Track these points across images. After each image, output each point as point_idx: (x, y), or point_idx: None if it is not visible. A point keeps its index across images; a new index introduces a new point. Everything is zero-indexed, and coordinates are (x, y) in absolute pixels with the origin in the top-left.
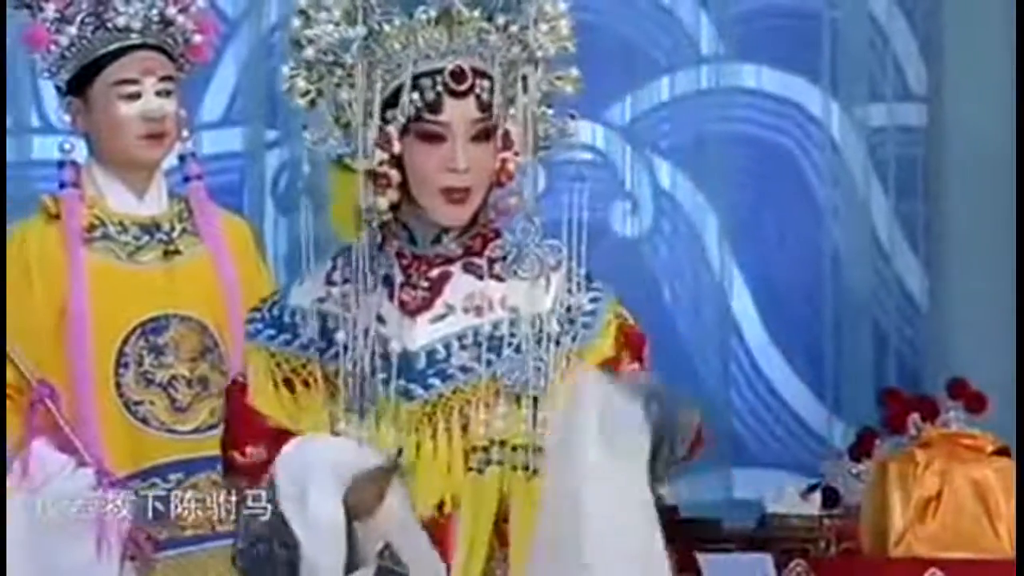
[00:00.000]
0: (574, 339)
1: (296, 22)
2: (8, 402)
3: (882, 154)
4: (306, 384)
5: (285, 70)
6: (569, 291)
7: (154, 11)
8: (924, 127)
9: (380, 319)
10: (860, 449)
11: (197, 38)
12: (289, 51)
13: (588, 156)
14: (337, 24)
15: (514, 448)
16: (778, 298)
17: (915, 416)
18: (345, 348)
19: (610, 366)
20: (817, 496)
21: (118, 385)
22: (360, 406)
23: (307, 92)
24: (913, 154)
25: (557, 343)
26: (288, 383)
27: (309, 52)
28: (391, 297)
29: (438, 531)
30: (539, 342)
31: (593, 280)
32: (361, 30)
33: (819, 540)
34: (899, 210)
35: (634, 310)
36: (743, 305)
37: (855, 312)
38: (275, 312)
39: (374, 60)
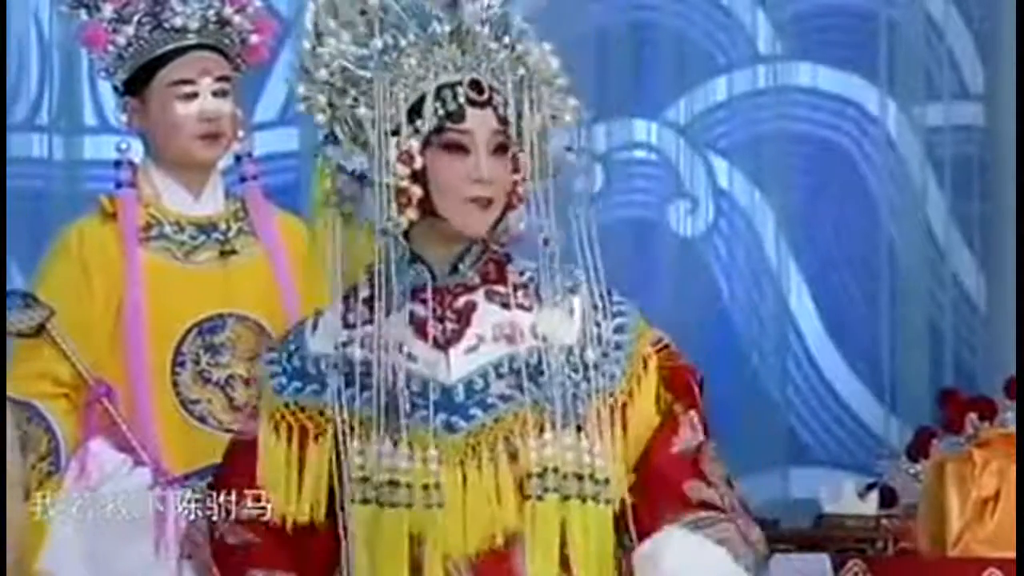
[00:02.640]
0: (611, 378)
1: (307, 44)
2: (65, 401)
3: (939, 152)
4: (321, 436)
5: (300, 90)
6: (596, 323)
7: (211, 11)
8: (981, 126)
9: (411, 357)
10: (918, 449)
11: (254, 38)
12: (301, 74)
13: (643, 154)
14: (351, 43)
15: (565, 476)
16: (836, 297)
17: (973, 416)
18: (378, 385)
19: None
20: (874, 496)
21: (175, 384)
22: (395, 439)
23: (324, 110)
24: (970, 153)
25: (594, 369)
26: (302, 436)
27: (323, 73)
28: (418, 333)
29: (498, 562)
30: (575, 371)
31: (614, 298)
32: (378, 43)
33: (876, 540)
34: (956, 209)
35: (692, 309)
36: (801, 304)
37: (912, 311)
38: (295, 363)
39: (392, 76)
